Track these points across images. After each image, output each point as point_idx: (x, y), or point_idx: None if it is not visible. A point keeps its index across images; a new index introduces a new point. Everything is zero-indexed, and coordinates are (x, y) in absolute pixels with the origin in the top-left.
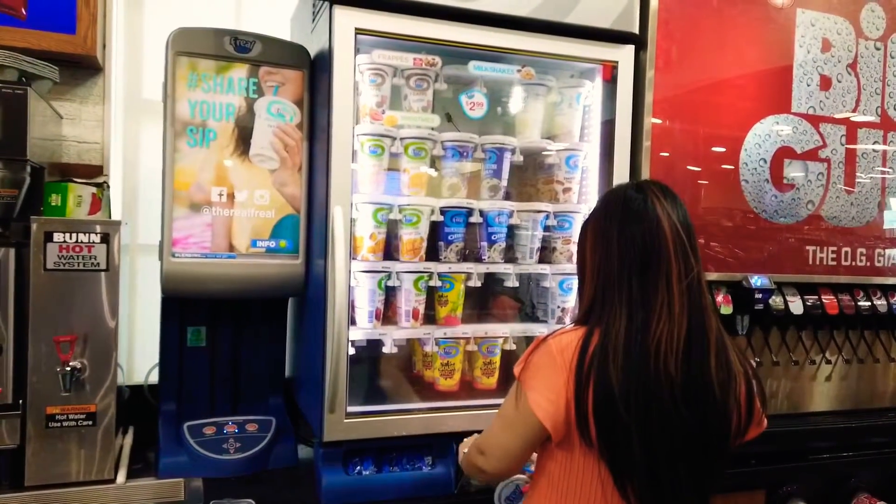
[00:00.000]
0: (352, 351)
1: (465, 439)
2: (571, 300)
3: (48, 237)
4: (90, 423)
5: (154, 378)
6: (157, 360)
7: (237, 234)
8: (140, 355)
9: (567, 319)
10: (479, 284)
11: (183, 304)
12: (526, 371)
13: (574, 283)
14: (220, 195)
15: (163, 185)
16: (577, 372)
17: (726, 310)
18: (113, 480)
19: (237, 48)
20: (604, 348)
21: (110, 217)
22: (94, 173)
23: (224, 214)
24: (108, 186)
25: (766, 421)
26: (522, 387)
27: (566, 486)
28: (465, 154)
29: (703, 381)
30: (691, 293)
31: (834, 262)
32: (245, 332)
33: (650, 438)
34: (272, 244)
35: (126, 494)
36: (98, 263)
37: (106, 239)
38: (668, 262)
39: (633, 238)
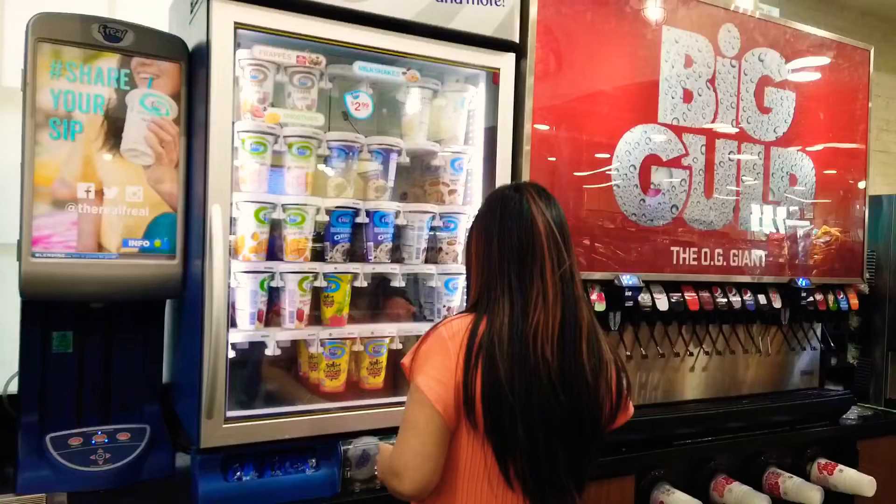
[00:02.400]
0: (232, 354)
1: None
2: (457, 299)
3: None
4: None
5: (14, 388)
6: (17, 368)
7: (107, 232)
8: None
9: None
10: (365, 284)
11: (47, 308)
12: (416, 360)
13: (459, 282)
14: (88, 192)
15: (22, 180)
16: (467, 356)
17: (600, 307)
18: None
19: (106, 37)
20: (490, 336)
21: None
22: None
23: (92, 212)
24: None
25: (632, 407)
26: (413, 374)
27: (454, 471)
28: (351, 154)
29: (577, 366)
30: (564, 284)
31: (695, 262)
32: (117, 337)
33: (532, 421)
34: (146, 244)
35: None
36: None
37: None
38: (542, 257)
39: (510, 234)
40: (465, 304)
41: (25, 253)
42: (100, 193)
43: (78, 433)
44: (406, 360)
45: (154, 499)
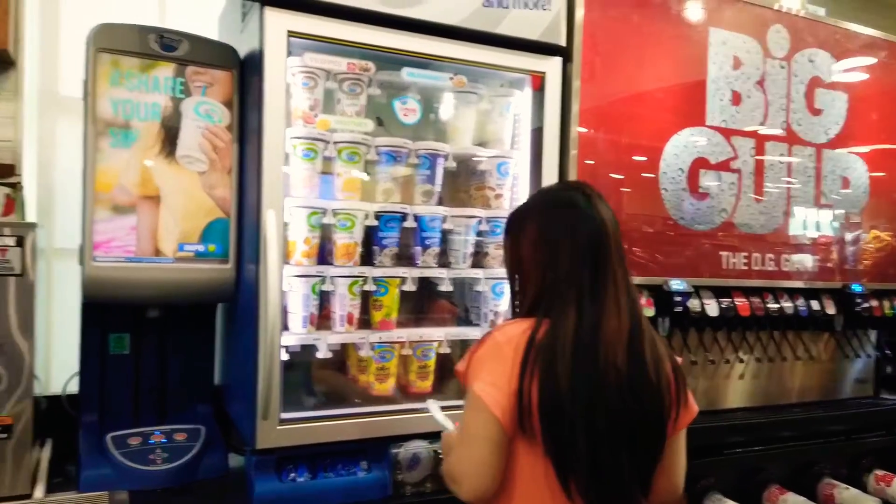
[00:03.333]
0: (285, 356)
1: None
2: (504, 304)
3: None
4: (4, 435)
5: (74, 388)
6: (76, 368)
7: (164, 237)
8: (58, 364)
9: (500, 322)
10: (413, 288)
11: (105, 311)
12: (471, 366)
13: (507, 286)
14: (146, 197)
15: (83, 186)
16: (523, 363)
17: (649, 312)
18: (30, 495)
19: (163, 46)
20: (551, 343)
21: (24, 219)
22: (5, 173)
23: (149, 217)
24: (22, 187)
25: (695, 405)
26: (468, 381)
27: (515, 479)
28: (399, 159)
29: (642, 366)
30: (629, 287)
31: (745, 267)
32: (171, 339)
33: (595, 432)
34: (201, 248)
35: None
36: (12, 268)
37: (20, 242)
38: (612, 259)
39: (583, 236)
40: (511, 309)
41: (87, 257)
42: (157, 199)
43: (137, 433)
44: (461, 366)
45: (210, 498)
